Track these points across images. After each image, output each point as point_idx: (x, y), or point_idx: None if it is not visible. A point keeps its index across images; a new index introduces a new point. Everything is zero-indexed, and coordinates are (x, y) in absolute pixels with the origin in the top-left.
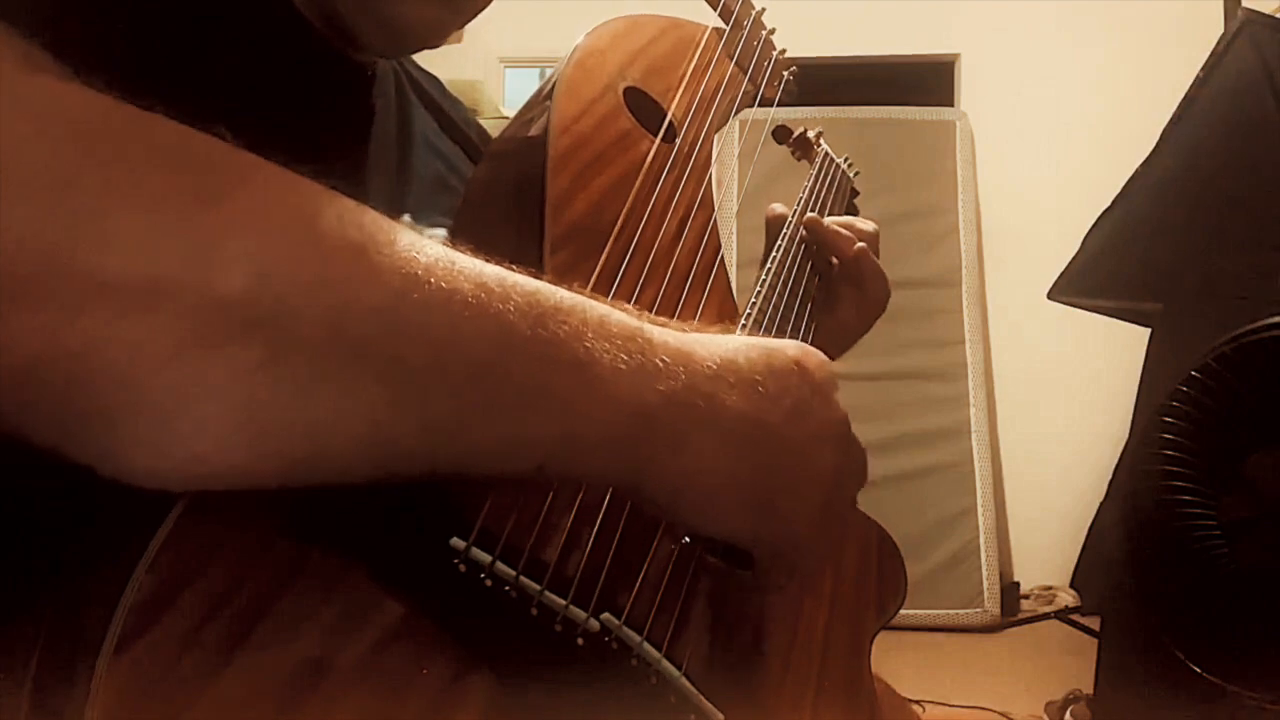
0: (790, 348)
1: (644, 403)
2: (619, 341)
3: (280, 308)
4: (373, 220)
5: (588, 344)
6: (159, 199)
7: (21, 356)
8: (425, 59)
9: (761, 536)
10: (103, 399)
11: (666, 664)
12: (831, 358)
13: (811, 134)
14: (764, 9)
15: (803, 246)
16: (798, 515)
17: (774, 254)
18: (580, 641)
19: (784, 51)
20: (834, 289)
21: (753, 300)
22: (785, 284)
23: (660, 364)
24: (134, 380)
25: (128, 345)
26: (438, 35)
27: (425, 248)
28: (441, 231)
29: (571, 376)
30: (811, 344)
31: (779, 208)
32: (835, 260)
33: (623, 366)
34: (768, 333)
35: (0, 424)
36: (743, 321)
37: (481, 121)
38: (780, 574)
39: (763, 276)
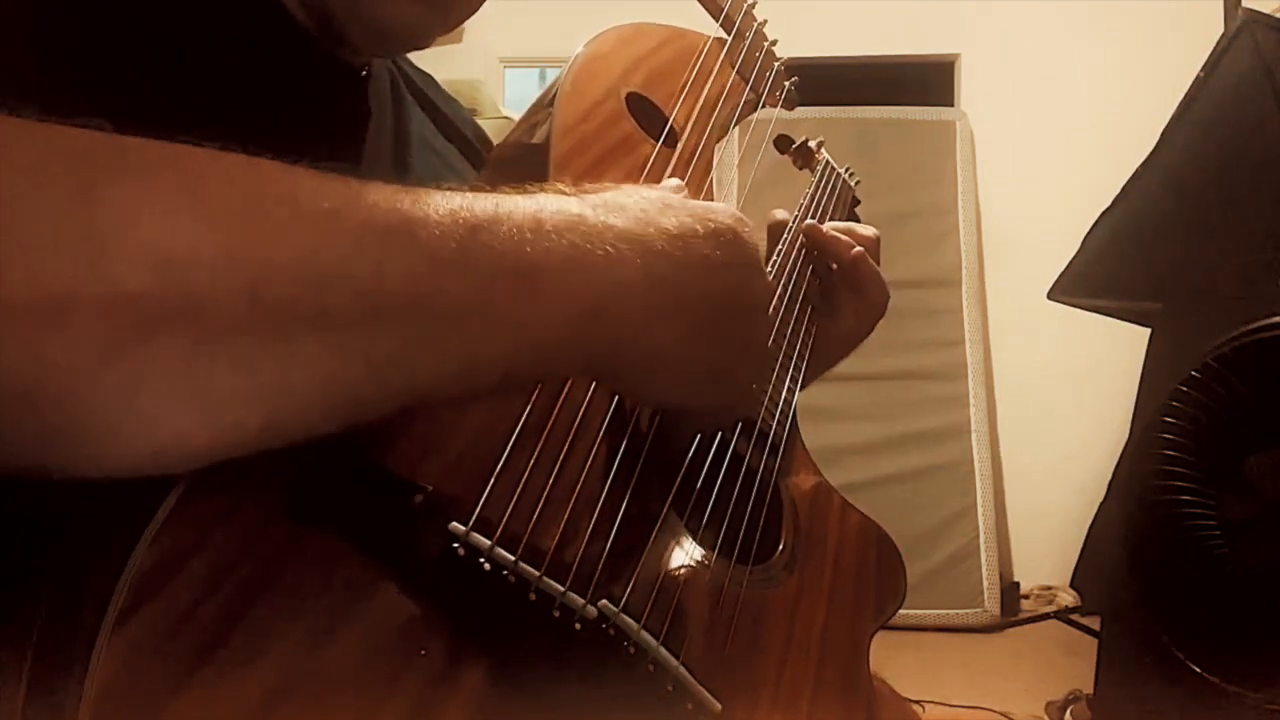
0: (726, 218)
1: (597, 295)
2: (559, 236)
3: (192, 289)
4: (269, 175)
5: (526, 247)
6: (39, 210)
7: None
8: (425, 59)
9: (717, 403)
10: (52, 420)
11: (663, 652)
12: (833, 362)
13: (813, 143)
14: (765, 20)
15: (802, 252)
16: (746, 378)
17: (774, 259)
18: (578, 627)
19: (785, 62)
20: (833, 294)
21: None
22: (784, 289)
23: (609, 251)
24: (74, 395)
25: (55, 364)
26: (425, 36)
27: (329, 190)
28: None
29: (512, 285)
30: (812, 349)
31: (780, 214)
32: (834, 265)
33: (567, 262)
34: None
35: None
36: None
37: (481, 122)
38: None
39: None
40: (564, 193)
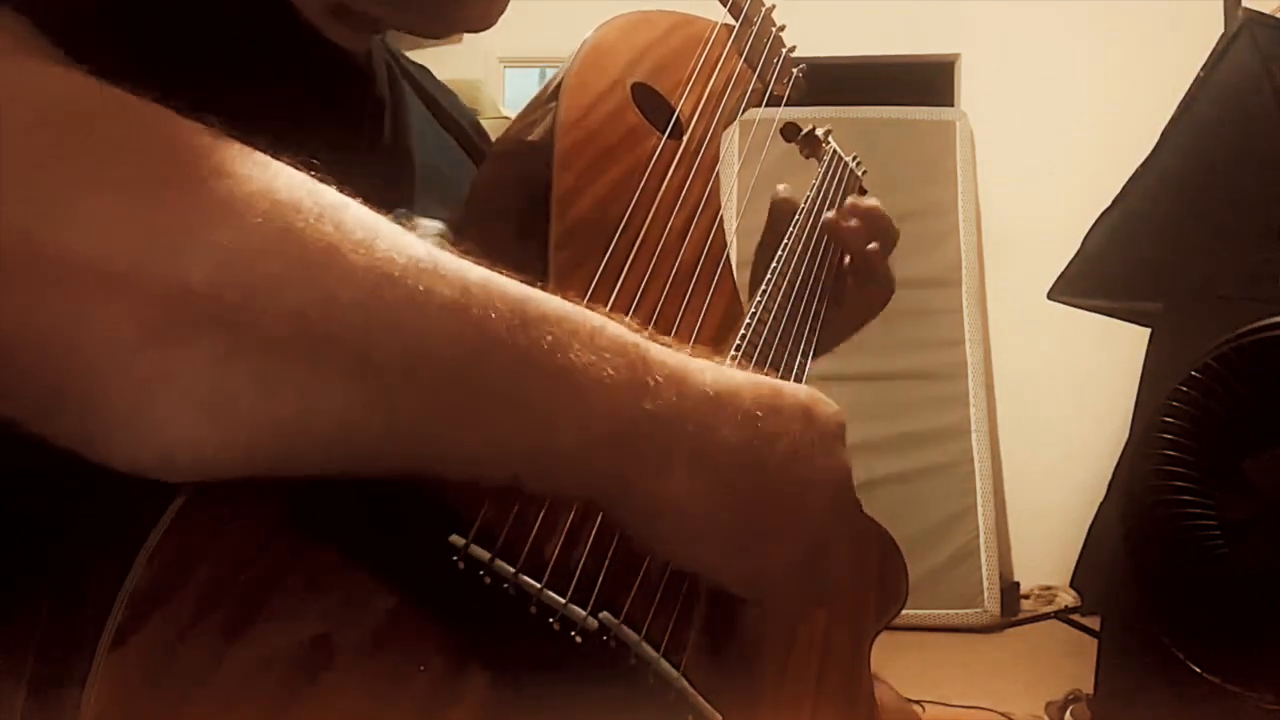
0: (802, 392)
1: (628, 419)
2: (609, 354)
3: (244, 302)
4: (354, 216)
5: (574, 355)
6: (128, 184)
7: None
8: (425, 59)
9: (735, 578)
10: (74, 382)
11: (664, 664)
12: (829, 349)
13: (820, 131)
14: (773, 5)
15: (812, 240)
16: (777, 561)
17: (783, 245)
18: (578, 640)
19: (794, 49)
20: (840, 282)
21: (760, 295)
22: (795, 279)
23: (652, 382)
24: (101, 366)
25: (94, 331)
26: (492, 22)
27: (408, 248)
28: (438, 224)
29: (550, 386)
30: (819, 336)
31: (784, 188)
32: (847, 257)
33: (608, 380)
34: (775, 327)
35: None
36: (748, 320)
37: (481, 121)
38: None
39: (768, 275)
40: (628, 325)
